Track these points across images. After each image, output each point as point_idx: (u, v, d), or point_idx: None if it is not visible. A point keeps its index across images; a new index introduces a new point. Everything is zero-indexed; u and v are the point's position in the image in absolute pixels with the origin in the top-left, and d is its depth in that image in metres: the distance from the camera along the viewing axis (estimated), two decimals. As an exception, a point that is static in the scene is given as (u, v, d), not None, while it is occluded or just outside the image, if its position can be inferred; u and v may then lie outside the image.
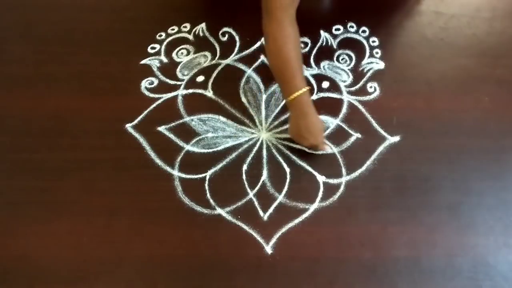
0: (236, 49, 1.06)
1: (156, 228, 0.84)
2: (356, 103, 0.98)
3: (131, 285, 0.79)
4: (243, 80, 1.01)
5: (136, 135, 0.94)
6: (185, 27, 1.11)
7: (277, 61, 0.81)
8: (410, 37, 1.08)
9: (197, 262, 0.81)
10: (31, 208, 0.86)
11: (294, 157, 0.91)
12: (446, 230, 0.83)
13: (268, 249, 0.82)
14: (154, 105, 0.98)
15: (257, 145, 0.93)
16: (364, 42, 1.07)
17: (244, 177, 0.89)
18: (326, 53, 1.05)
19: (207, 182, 0.89)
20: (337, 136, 0.94)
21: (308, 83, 1.00)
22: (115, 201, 0.87)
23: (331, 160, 0.91)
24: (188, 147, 0.93)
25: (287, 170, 0.90)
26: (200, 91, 1.01)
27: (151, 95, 1.00)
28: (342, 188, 0.88)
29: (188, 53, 1.07)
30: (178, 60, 1.05)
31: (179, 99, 0.99)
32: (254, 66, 1.03)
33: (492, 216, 0.85)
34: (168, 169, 0.90)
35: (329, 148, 0.89)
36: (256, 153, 0.92)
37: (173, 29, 1.10)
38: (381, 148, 0.92)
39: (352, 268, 0.80)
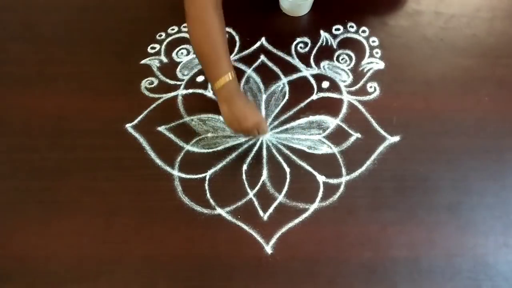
0: (236, 49, 1.06)
1: (156, 228, 0.84)
2: (356, 103, 0.98)
3: (131, 285, 0.79)
4: (243, 80, 1.01)
5: (136, 135, 0.94)
6: (185, 27, 1.11)
7: (195, 48, 0.79)
8: (410, 37, 1.08)
9: (197, 262, 0.81)
10: (31, 208, 0.86)
11: (294, 157, 0.91)
12: (446, 230, 0.83)
13: (268, 249, 0.82)
14: (154, 105, 0.98)
15: (257, 145, 0.93)
16: (364, 42, 1.07)
17: (244, 177, 0.89)
18: (326, 53, 1.05)
19: (207, 182, 0.89)
20: (337, 136, 0.94)
21: (308, 83, 1.01)
22: (115, 201, 0.87)
23: (331, 160, 0.91)
24: (188, 147, 0.93)
25: (287, 170, 0.90)
26: (200, 91, 1.01)
27: (151, 95, 1.00)
28: (342, 188, 0.88)
29: (188, 53, 1.07)
30: (178, 60, 1.05)
31: (179, 99, 0.99)
32: (254, 66, 1.03)
33: (492, 216, 0.85)
34: (168, 169, 0.90)
35: (267, 130, 0.81)
36: (256, 153, 0.92)
37: (173, 29, 1.10)
38: (381, 148, 0.92)
39: (352, 268, 0.80)
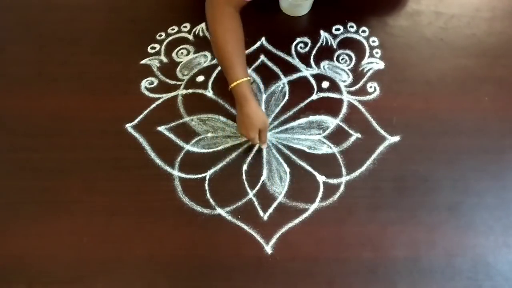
0: (236, 49, 1.06)
1: (156, 228, 0.84)
2: (356, 103, 0.98)
3: (131, 285, 0.79)
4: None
5: (136, 135, 0.94)
6: (185, 27, 1.11)
7: (215, 52, 0.85)
8: (410, 37, 1.08)
9: (197, 262, 0.81)
10: (31, 208, 0.86)
11: (294, 157, 0.91)
12: (446, 230, 0.83)
13: (268, 249, 0.82)
14: (154, 105, 0.98)
15: (257, 145, 0.92)
16: (364, 42, 1.07)
17: (244, 177, 0.89)
18: (326, 53, 1.05)
19: (207, 182, 0.89)
20: (337, 136, 0.94)
21: (308, 83, 1.01)
22: (115, 201, 0.87)
23: (331, 160, 0.91)
24: (188, 147, 0.93)
25: (287, 170, 0.90)
26: (200, 91, 1.01)
27: (151, 95, 1.00)
28: (342, 188, 0.88)
29: (188, 53, 1.07)
30: (178, 60, 1.05)
31: (179, 99, 0.99)
32: (254, 66, 1.03)
33: (492, 216, 0.85)
34: (168, 169, 0.90)
35: (264, 145, 0.89)
36: (256, 153, 0.92)
37: (173, 29, 1.10)
38: (381, 148, 0.92)
39: (352, 268, 0.80)
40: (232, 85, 0.83)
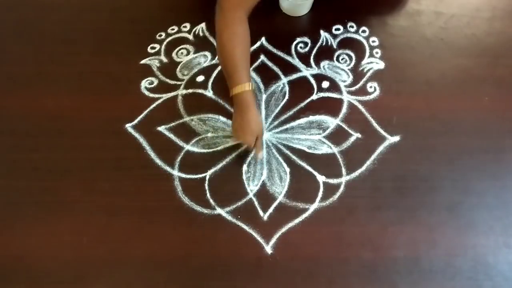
0: (236, 49, 1.06)
1: (156, 228, 0.84)
2: (356, 103, 0.98)
3: (131, 285, 0.79)
4: (243, 80, 1.01)
5: (136, 135, 0.94)
6: (185, 27, 1.11)
7: (221, 55, 0.83)
8: (410, 37, 1.08)
9: (197, 262, 0.81)
10: (31, 208, 0.86)
11: (294, 157, 0.91)
12: (446, 230, 0.83)
13: (268, 249, 0.82)
14: (154, 105, 0.98)
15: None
16: (364, 42, 1.07)
17: (244, 177, 0.89)
18: (326, 53, 1.05)
19: (207, 182, 0.89)
20: (337, 136, 0.94)
21: (308, 83, 1.01)
22: (115, 201, 0.87)
23: (331, 160, 0.91)
24: (188, 147, 0.93)
25: (287, 170, 0.90)
26: (200, 91, 1.01)
27: (151, 95, 1.00)
28: (342, 188, 0.88)
29: (188, 53, 1.07)
30: (178, 60, 1.05)
31: (179, 99, 0.99)
32: (254, 66, 1.03)
33: (492, 216, 0.85)
34: (168, 169, 0.90)
35: (260, 154, 0.88)
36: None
37: (173, 29, 1.10)
38: (381, 148, 0.92)
39: (352, 268, 0.80)
40: (235, 89, 0.82)
